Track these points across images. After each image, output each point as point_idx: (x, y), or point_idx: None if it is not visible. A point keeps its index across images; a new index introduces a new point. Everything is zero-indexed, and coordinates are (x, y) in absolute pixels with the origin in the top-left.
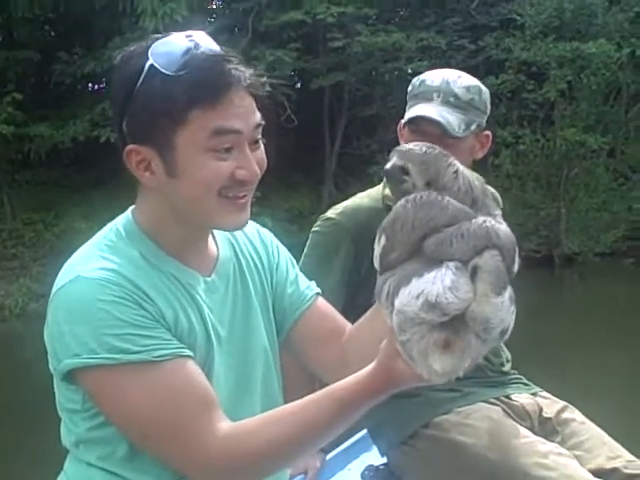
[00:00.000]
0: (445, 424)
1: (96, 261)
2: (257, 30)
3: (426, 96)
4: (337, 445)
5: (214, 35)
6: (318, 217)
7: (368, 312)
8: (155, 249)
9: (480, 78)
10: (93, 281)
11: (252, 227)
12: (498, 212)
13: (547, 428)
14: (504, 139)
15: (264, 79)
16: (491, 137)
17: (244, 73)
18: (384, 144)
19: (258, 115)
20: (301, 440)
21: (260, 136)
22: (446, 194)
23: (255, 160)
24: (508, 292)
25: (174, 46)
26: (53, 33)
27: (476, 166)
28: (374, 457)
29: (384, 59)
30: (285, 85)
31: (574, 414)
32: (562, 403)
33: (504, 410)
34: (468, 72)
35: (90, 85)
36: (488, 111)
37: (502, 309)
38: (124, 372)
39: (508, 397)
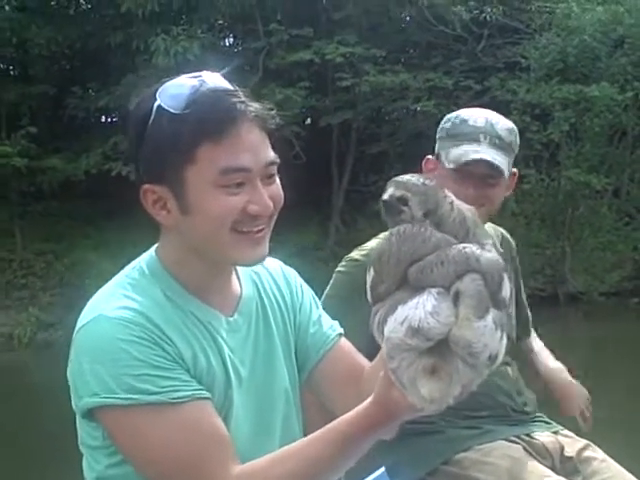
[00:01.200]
0: (465, 462)
1: (118, 300)
2: (268, 69)
3: (473, 137)
4: None
5: (225, 74)
6: (324, 252)
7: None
8: (177, 287)
9: None
10: (114, 320)
11: (276, 265)
12: (488, 241)
13: (568, 467)
14: None
15: (273, 112)
16: (517, 175)
17: (250, 106)
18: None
19: (271, 152)
20: (308, 477)
21: (275, 173)
22: (442, 225)
23: (269, 194)
24: (492, 316)
25: (181, 86)
26: (68, 68)
27: None
28: None
29: (392, 98)
30: (294, 123)
31: (596, 452)
32: (583, 441)
33: (525, 448)
34: None
35: (103, 118)
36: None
37: (485, 333)
38: (142, 413)
39: (529, 435)
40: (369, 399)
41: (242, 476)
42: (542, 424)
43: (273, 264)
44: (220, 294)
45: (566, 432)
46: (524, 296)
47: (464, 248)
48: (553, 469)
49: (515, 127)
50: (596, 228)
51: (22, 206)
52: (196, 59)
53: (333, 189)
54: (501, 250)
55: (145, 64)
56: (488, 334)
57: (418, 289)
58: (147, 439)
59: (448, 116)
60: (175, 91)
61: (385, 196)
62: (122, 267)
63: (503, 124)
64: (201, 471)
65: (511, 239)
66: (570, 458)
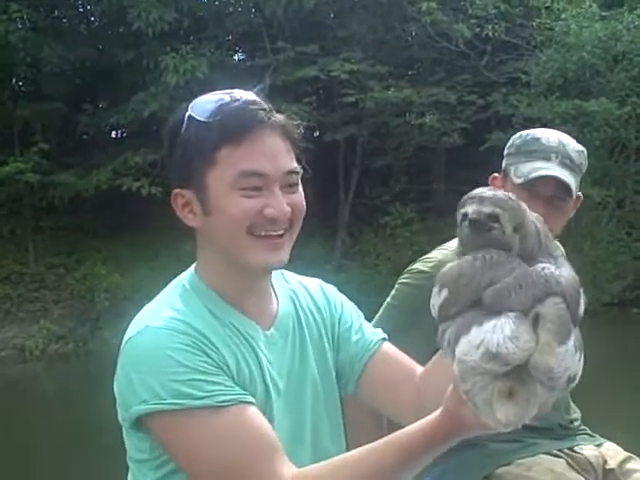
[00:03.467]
0: (507, 476)
1: (163, 312)
2: (275, 85)
3: (544, 155)
4: None
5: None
6: (331, 265)
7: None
8: (217, 299)
9: (489, 132)
10: (160, 330)
11: (315, 283)
12: (559, 253)
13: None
14: None
15: (296, 123)
16: (581, 198)
17: (274, 116)
18: (396, 195)
19: (292, 161)
20: None
21: (297, 182)
22: (526, 239)
23: (289, 202)
24: (572, 339)
25: (210, 98)
26: (80, 85)
27: None
28: None
29: (396, 113)
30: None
31: (638, 464)
32: (625, 454)
33: (567, 462)
34: (479, 126)
35: (114, 134)
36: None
37: (566, 358)
38: (190, 417)
39: (572, 449)
40: (436, 413)
41: (297, 476)
42: (585, 437)
43: (311, 282)
44: (258, 309)
45: (609, 445)
46: None
47: (543, 269)
48: None
49: (585, 150)
50: (598, 239)
51: (35, 220)
52: (205, 77)
53: (339, 202)
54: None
55: (155, 82)
56: (569, 358)
57: (494, 312)
58: (197, 443)
59: (520, 133)
60: (204, 102)
61: (472, 214)
62: (132, 281)
63: (574, 146)
64: (252, 474)
65: (560, 246)
66: (612, 470)
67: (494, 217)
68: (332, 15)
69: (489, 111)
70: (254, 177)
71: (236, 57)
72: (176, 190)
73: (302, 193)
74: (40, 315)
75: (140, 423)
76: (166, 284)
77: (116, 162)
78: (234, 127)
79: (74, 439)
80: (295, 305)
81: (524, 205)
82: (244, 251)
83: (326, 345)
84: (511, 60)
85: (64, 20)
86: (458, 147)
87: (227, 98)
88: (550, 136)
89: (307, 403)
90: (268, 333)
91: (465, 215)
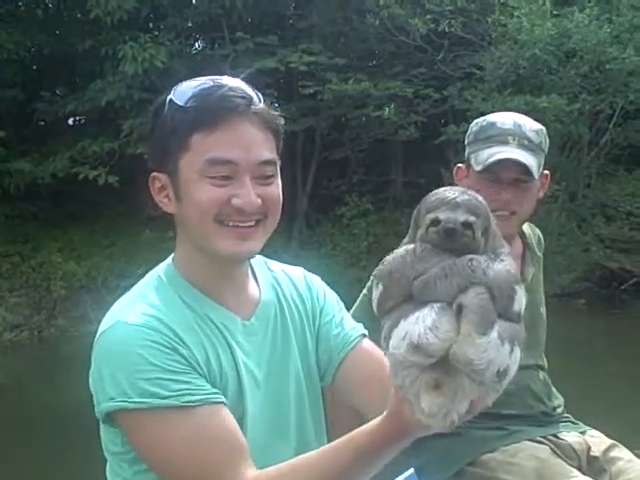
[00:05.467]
0: (491, 462)
1: (135, 307)
2: (234, 76)
3: (501, 139)
4: None
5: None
6: (289, 254)
7: None
8: (193, 291)
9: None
10: (130, 326)
11: (299, 272)
12: (504, 250)
13: (595, 467)
14: None
15: (277, 114)
16: (549, 176)
17: (253, 105)
18: (353, 186)
19: (267, 152)
20: None
21: (273, 174)
22: (490, 241)
23: (261, 194)
24: (497, 332)
25: (192, 83)
26: (37, 72)
27: None
28: None
29: (354, 105)
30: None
31: (622, 452)
32: (610, 441)
33: (551, 449)
34: (434, 120)
35: (71, 122)
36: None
37: (488, 349)
38: (154, 416)
39: (555, 436)
40: (384, 413)
41: (260, 478)
42: (569, 424)
43: (295, 271)
44: (236, 297)
45: (593, 432)
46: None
47: (470, 260)
48: (580, 469)
49: (544, 128)
50: (549, 232)
51: None
52: (164, 66)
53: (297, 193)
54: (539, 254)
55: (113, 70)
56: (492, 350)
57: (421, 303)
58: (161, 443)
59: (476, 120)
60: (186, 86)
61: (448, 223)
62: (88, 269)
63: (531, 125)
64: (214, 475)
65: (542, 240)
66: (596, 458)
67: (468, 225)
68: (292, 6)
69: (445, 105)
70: (223, 165)
71: (195, 47)
72: (153, 173)
73: (279, 185)
74: None
75: (111, 419)
76: (122, 273)
77: (73, 150)
78: (208, 113)
79: (26, 426)
80: (277, 294)
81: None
82: (212, 239)
83: (308, 336)
84: (467, 55)
85: (20, 5)
86: (414, 140)
87: (209, 83)
88: (505, 119)
89: (290, 396)
90: (247, 323)
91: (437, 221)
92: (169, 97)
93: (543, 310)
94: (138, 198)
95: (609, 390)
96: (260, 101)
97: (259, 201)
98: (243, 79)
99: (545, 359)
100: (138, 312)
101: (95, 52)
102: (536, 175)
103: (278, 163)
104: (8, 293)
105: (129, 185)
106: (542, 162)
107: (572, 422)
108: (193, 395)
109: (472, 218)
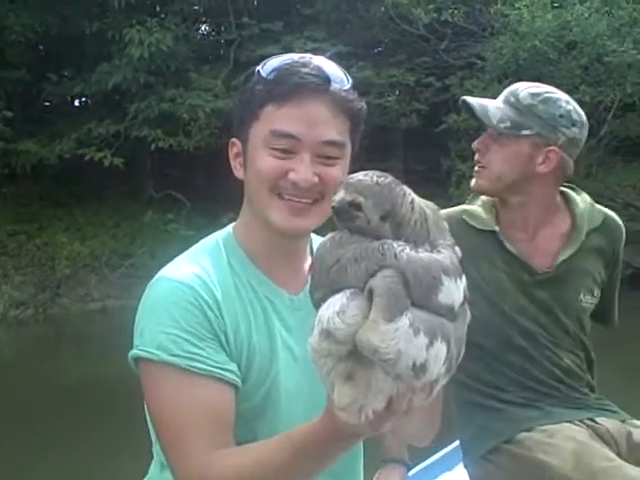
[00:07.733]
0: (528, 442)
1: (183, 265)
2: (238, 61)
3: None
4: (423, 460)
5: (198, 64)
6: None
7: None
8: (243, 257)
9: (445, 115)
10: (170, 282)
11: None
12: (443, 242)
13: (636, 454)
14: (465, 172)
15: (355, 97)
16: (560, 155)
17: (329, 85)
18: (353, 171)
19: (335, 133)
20: (260, 478)
21: (338, 156)
22: (403, 227)
23: (320, 173)
24: (408, 319)
25: (281, 57)
26: (44, 54)
27: (437, 197)
28: (457, 475)
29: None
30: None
31: None
32: None
33: (590, 433)
34: (436, 109)
35: (78, 103)
36: (560, 126)
37: (396, 338)
38: (159, 370)
39: (594, 420)
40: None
41: (214, 460)
42: (607, 412)
43: None
44: (289, 273)
45: (634, 421)
46: (616, 287)
47: (383, 244)
48: (618, 455)
49: (549, 94)
50: None
51: None
52: (169, 50)
53: None
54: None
55: (119, 53)
56: (403, 340)
57: (336, 290)
58: (155, 395)
59: None
60: (274, 60)
61: (335, 201)
62: (92, 249)
63: (532, 89)
64: (183, 444)
65: (619, 224)
66: (637, 445)
67: (356, 205)
68: None
69: (446, 94)
70: (285, 138)
71: (201, 31)
72: (232, 139)
73: (343, 168)
74: (1, 281)
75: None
76: (125, 252)
77: (79, 132)
78: (283, 87)
79: (30, 401)
80: None
81: (401, 189)
82: (267, 209)
83: None
84: (469, 45)
85: None
86: (415, 127)
87: (294, 59)
88: (520, 84)
89: None
90: (295, 298)
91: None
92: (258, 68)
93: (586, 297)
94: (141, 181)
95: (609, 390)
96: (346, 83)
97: (316, 179)
98: (330, 58)
99: (587, 346)
100: (183, 270)
101: (102, 35)
102: (492, 124)
103: (348, 147)
104: (14, 271)
105: (133, 167)
106: (531, 126)
107: (612, 410)
108: (201, 363)
109: (360, 199)
